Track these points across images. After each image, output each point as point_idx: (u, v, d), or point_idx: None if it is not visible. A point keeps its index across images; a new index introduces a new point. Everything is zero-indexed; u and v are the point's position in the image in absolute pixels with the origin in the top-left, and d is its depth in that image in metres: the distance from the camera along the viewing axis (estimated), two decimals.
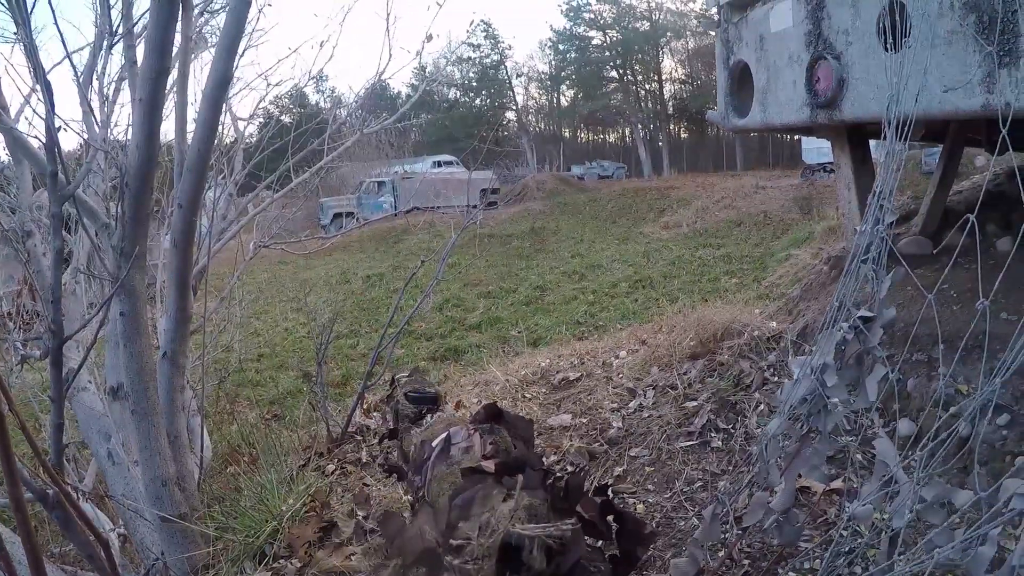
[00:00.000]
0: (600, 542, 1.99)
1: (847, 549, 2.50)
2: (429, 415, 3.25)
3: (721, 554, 2.93)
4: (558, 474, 2.00)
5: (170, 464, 4.14)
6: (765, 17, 4.76)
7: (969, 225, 1.76)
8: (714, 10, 5.37)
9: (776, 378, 4.23)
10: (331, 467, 4.74)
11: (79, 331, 4.10)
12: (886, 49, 3.60)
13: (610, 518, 1.90)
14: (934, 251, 4.65)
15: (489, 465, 1.98)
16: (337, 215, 33.55)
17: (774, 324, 4.89)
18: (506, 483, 1.77)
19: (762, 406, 4.03)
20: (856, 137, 4.90)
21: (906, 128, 2.46)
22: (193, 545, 4.10)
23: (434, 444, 2.38)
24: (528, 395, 5.11)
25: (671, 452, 3.91)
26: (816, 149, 30.50)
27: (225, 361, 9.65)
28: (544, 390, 5.19)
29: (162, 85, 3.58)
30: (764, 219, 24.44)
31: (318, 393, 5.59)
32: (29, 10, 3.69)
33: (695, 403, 4.29)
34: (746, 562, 2.92)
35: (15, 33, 5.38)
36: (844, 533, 2.76)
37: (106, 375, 5.53)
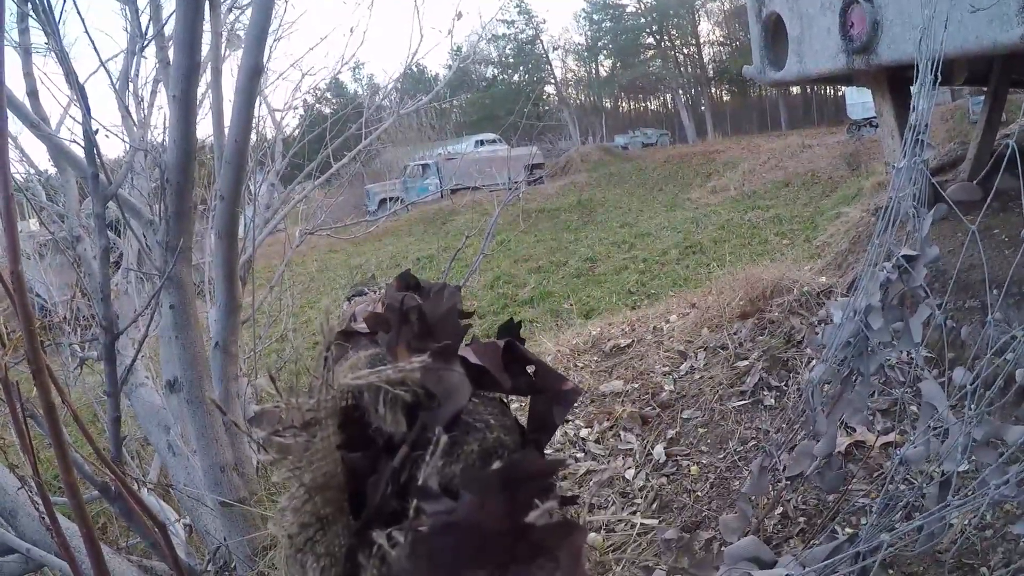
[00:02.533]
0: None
1: (903, 503, 2.46)
2: None
3: (778, 512, 2.91)
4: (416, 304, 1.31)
5: (227, 450, 4.21)
6: None
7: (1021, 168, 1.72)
8: None
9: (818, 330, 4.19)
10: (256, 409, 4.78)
11: (130, 326, 4.17)
12: None
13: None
14: (984, 197, 4.56)
15: (361, 325, 1.38)
16: (383, 200, 33.63)
17: (824, 279, 4.83)
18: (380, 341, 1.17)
19: (814, 361, 3.99)
20: (896, 83, 4.80)
21: (939, 63, 2.40)
22: (254, 528, 4.18)
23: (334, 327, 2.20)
24: (580, 364, 5.10)
25: (724, 412, 3.90)
26: (861, 104, 29.89)
27: (280, 350, 9.74)
28: (596, 358, 5.17)
29: (194, 81, 3.62)
30: (812, 178, 24.09)
31: (327, 342, 5.60)
32: (58, 19, 3.75)
33: (746, 362, 4.26)
34: (802, 519, 2.90)
35: (46, 43, 5.46)
36: (898, 484, 2.72)
37: (161, 369, 5.64)
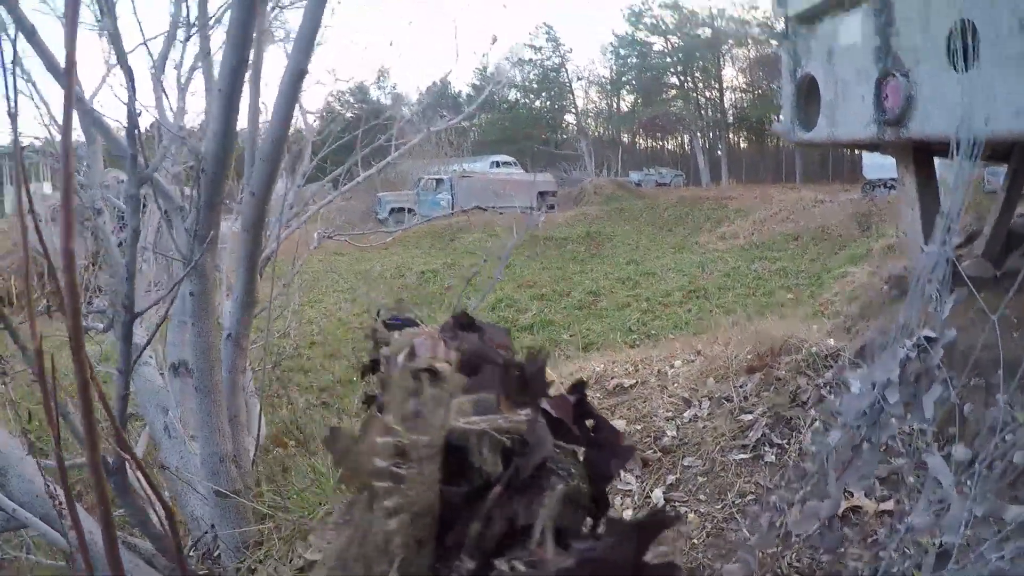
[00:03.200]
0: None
1: (895, 570, 2.51)
2: None
3: (773, 567, 2.95)
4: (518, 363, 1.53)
5: (228, 441, 4.25)
6: (834, 31, 4.75)
7: None
8: (781, 21, 5.36)
9: (832, 395, 4.22)
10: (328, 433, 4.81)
11: (149, 308, 4.20)
12: (955, 68, 3.59)
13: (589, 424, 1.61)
14: (997, 274, 4.61)
15: (443, 365, 1.60)
16: (394, 209, 33.74)
17: (832, 341, 4.87)
18: (456, 378, 1.38)
19: (817, 423, 4.03)
20: (922, 155, 4.86)
21: (975, 149, 2.46)
22: (245, 521, 4.21)
23: (398, 359, 2.28)
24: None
25: (724, 464, 3.93)
26: (877, 164, 29.93)
27: (279, 346, 9.79)
28: (598, 395, 5.21)
29: (241, 76, 3.68)
30: (822, 234, 24.16)
31: (362, 367, 5.65)
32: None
33: (750, 416, 4.30)
34: None
35: (99, 21, 5.53)
36: (892, 551, 2.76)
37: (167, 351, 5.68)
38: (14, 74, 1.84)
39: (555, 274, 21.76)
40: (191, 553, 4.50)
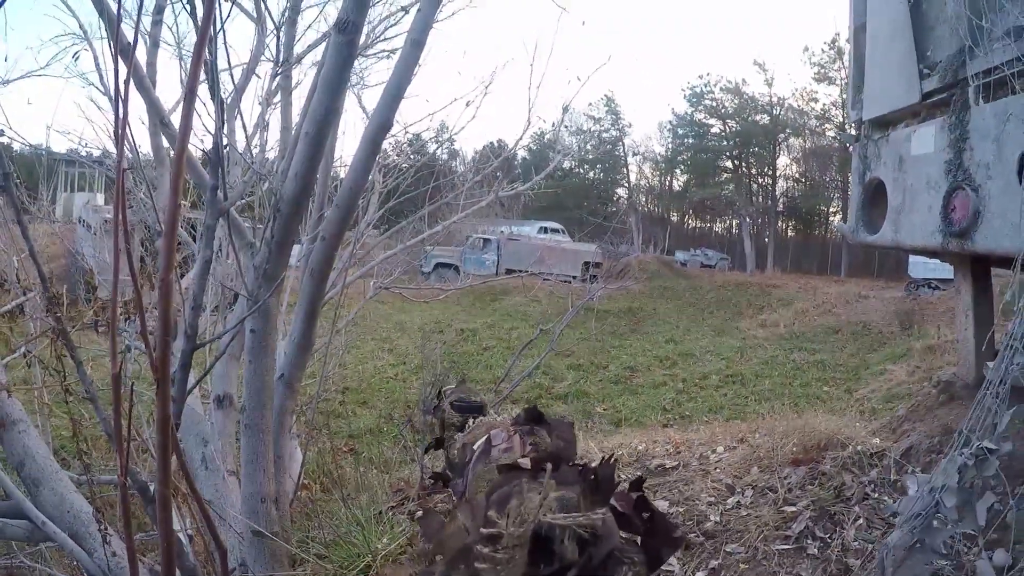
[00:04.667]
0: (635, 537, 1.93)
1: None
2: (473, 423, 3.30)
3: None
4: (593, 467, 1.87)
5: (272, 482, 4.27)
6: (907, 139, 4.79)
7: None
8: (854, 124, 5.43)
9: (876, 494, 4.19)
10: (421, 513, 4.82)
11: (212, 341, 4.27)
12: None
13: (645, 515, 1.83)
14: None
15: (525, 461, 1.96)
16: (439, 265, 33.95)
17: (877, 441, 4.85)
18: (541, 478, 1.73)
19: (861, 520, 4.00)
20: (980, 266, 4.87)
21: None
22: (279, 563, 4.21)
23: (475, 447, 2.42)
24: (624, 476, 5.13)
25: (767, 553, 3.91)
26: (923, 263, 29.70)
27: (319, 389, 9.84)
28: (639, 473, 5.19)
29: (330, 123, 3.76)
30: (863, 329, 23.97)
31: (413, 438, 5.70)
32: (217, 29, 3.92)
33: (794, 508, 4.27)
34: None
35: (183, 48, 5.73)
36: None
37: (213, 383, 5.72)
38: (126, 100, 1.91)
39: (593, 346, 21.73)
40: None
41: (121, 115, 1.84)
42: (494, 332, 22.53)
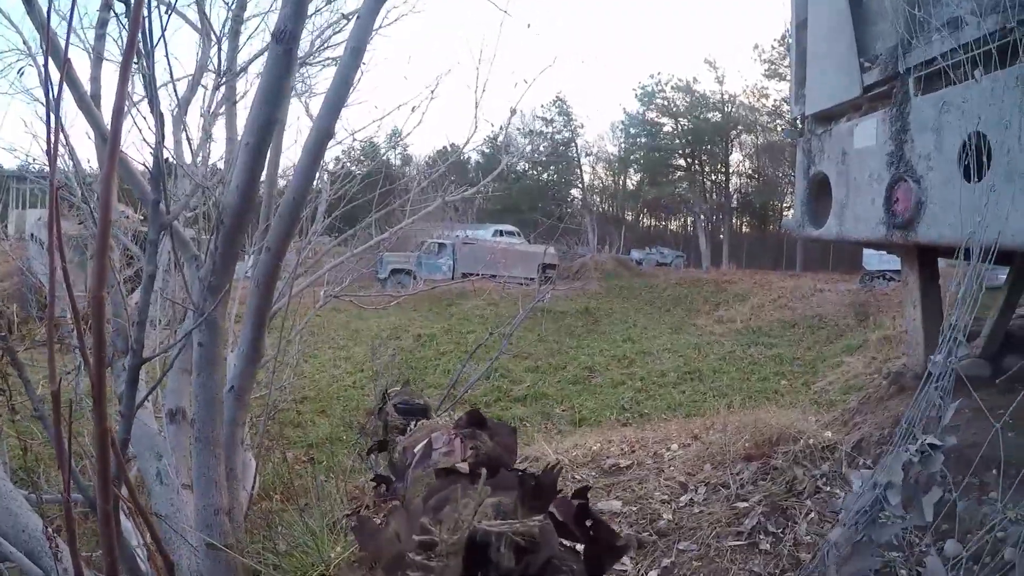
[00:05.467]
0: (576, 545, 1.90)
1: None
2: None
3: None
4: (533, 474, 1.84)
5: (224, 495, 4.23)
6: (849, 133, 4.84)
7: None
8: (797, 118, 5.49)
9: (828, 487, 4.24)
10: (378, 521, 4.80)
11: (158, 355, 4.22)
12: (966, 178, 3.67)
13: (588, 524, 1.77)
14: (993, 375, 4.64)
15: (463, 466, 1.97)
16: (395, 270, 33.84)
17: (829, 434, 4.90)
18: (484, 489, 1.70)
19: (812, 514, 4.04)
20: (927, 256, 4.94)
21: (987, 260, 2.53)
22: (235, 575, 4.17)
23: (416, 450, 2.41)
24: (578, 476, 5.14)
25: (719, 549, 3.93)
26: (877, 256, 29.99)
27: (276, 399, 9.78)
28: (594, 473, 5.21)
29: (271, 133, 3.72)
30: (819, 322, 24.22)
31: (371, 446, 5.67)
32: (154, 42, 3.87)
33: (746, 504, 4.31)
34: None
35: (136, 64, 5.65)
36: None
37: (166, 397, 5.67)
38: (57, 113, 1.88)
39: (551, 347, 21.77)
40: None
41: (52, 130, 1.82)
42: (451, 337, 22.50)
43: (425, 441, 2.41)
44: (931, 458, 2.16)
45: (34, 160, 7.59)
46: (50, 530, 3.04)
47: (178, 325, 6.17)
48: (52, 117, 1.82)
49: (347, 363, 18.52)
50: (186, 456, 5.47)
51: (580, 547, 1.74)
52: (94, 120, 4.63)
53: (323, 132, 3.83)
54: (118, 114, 1.81)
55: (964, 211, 3.52)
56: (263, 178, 5.45)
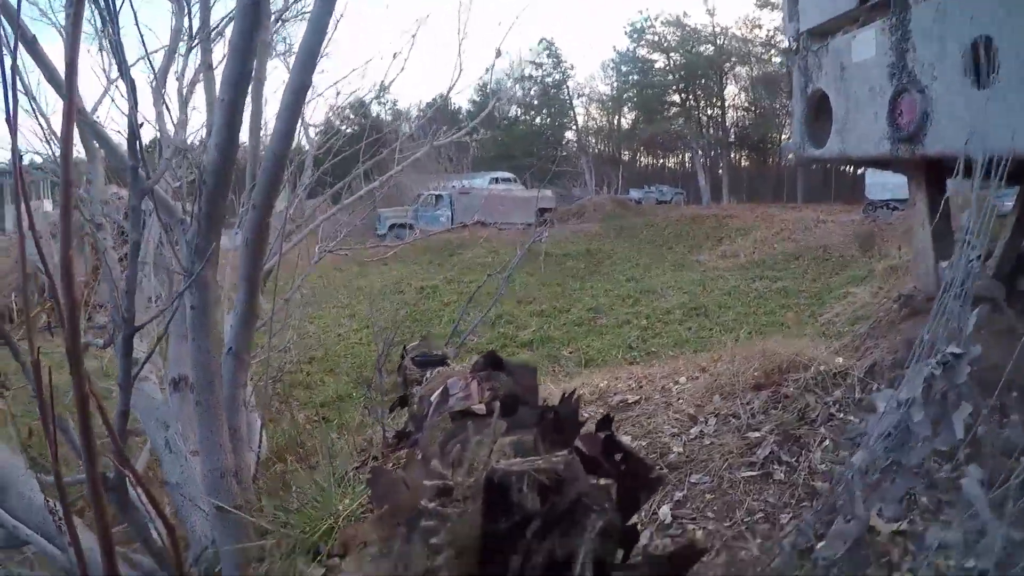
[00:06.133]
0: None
1: None
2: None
3: None
4: (551, 406, 1.70)
5: (229, 456, 4.19)
6: (847, 47, 4.70)
7: None
8: (792, 37, 5.33)
9: (842, 414, 4.17)
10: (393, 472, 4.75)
11: (149, 322, 4.14)
12: (974, 86, 3.55)
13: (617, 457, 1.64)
14: (1008, 297, 4.55)
15: (480, 407, 1.87)
16: (394, 226, 33.72)
17: (840, 360, 4.82)
18: (498, 424, 1.54)
19: (827, 441, 3.97)
20: (934, 173, 4.81)
21: (1000, 167, 2.42)
22: (246, 537, 4.14)
23: (432, 399, 2.32)
24: (585, 414, 5.07)
25: (732, 481, 3.87)
26: (880, 185, 29.82)
27: (280, 361, 9.74)
28: (602, 410, 5.15)
29: (244, 89, 3.63)
30: (823, 254, 24.13)
31: (375, 398, 5.63)
32: (117, 8, 3.76)
33: (758, 434, 4.24)
34: None
35: (102, 30, 5.51)
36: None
37: (168, 367, 5.63)
38: (13, 80, 1.78)
39: (554, 291, 21.72)
40: (192, 569, 4.44)
41: (11, 107, 1.76)
42: (454, 287, 22.44)
43: (441, 388, 2.30)
44: (955, 369, 2.04)
45: (24, 151, 7.46)
46: (52, 503, 3.00)
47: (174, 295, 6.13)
48: (8, 94, 1.75)
49: (352, 320, 18.49)
50: (193, 424, 5.45)
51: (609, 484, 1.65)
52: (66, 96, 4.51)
53: (300, 84, 3.75)
54: (71, 66, 1.74)
55: (971, 121, 3.40)
56: (246, 139, 5.38)
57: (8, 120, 1.77)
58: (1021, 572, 1.80)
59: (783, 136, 60.37)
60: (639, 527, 3.54)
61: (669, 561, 0.81)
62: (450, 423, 1.88)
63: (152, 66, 5.50)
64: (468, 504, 1.17)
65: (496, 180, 42.05)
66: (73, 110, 1.71)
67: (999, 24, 3.34)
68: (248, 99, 5.06)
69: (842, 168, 53.01)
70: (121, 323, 3.38)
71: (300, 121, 7.06)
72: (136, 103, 3.12)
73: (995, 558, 1.81)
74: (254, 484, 4.65)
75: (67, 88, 1.75)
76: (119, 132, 4.17)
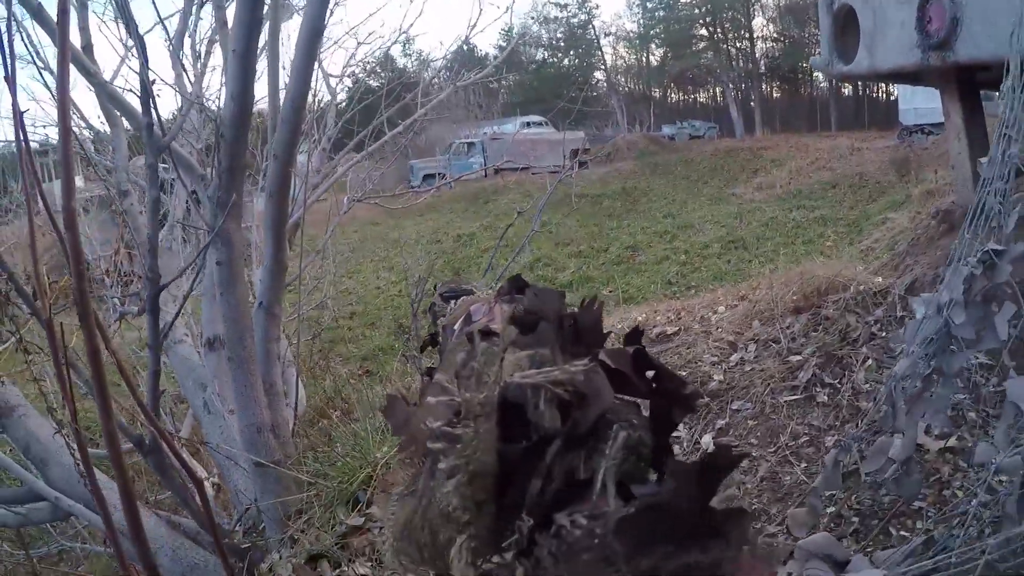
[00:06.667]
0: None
1: (965, 511, 2.37)
2: None
3: (830, 510, 2.84)
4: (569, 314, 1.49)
5: (265, 412, 4.19)
6: None
7: None
8: None
9: (884, 333, 4.08)
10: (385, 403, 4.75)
11: (176, 279, 4.14)
12: None
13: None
14: None
15: (498, 326, 1.60)
16: (427, 176, 33.61)
17: (880, 279, 4.72)
18: (520, 342, 1.27)
19: (870, 361, 3.90)
20: (966, 85, 4.68)
21: None
22: (286, 491, 4.15)
23: (455, 327, 2.22)
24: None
25: (775, 406, 3.82)
26: (913, 110, 29.24)
27: (319, 317, 9.77)
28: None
29: (255, 36, 3.59)
30: (859, 181, 23.79)
31: (411, 345, 5.62)
32: None
33: (799, 357, 4.17)
34: (855, 519, 2.83)
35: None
36: (959, 492, 2.66)
37: (202, 327, 5.65)
38: (8, 28, 1.73)
39: (591, 231, 21.62)
40: (236, 527, 4.47)
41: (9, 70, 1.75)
42: (492, 233, 22.37)
43: (464, 316, 2.21)
44: (997, 268, 1.94)
45: (44, 126, 7.46)
46: (79, 466, 3.00)
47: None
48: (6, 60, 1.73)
49: (391, 273, 18.52)
50: (230, 383, 5.48)
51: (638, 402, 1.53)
52: (81, 65, 4.49)
53: (313, 28, 3.70)
54: (63, 13, 1.71)
55: (1005, 24, 3.27)
56: (267, 93, 5.35)
57: (6, 78, 1.74)
58: None
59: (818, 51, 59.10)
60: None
61: (698, 472, 0.73)
62: (468, 345, 1.78)
63: (167, 30, 5.48)
64: (480, 424, 1.02)
65: (528, 124, 41.72)
66: (67, 55, 1.66)
67: None
68: (264, 58, 5.04)
69: (876, 94, 52.13)
70: (146, 283, 3.37)
71: (319, 68, 7.01)
72: (147, 60, 3.08)
73: None
74: (293, 440, 4.66)
75: (60, 36, 1.71)
76: (135, 94, 4.12)
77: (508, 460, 0.91)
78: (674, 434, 3.72)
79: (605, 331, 1.21)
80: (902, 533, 2.66)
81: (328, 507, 3.68)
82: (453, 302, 3.32)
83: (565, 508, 0.80)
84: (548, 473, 0.87)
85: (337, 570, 3.14)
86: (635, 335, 1.22)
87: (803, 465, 3.32)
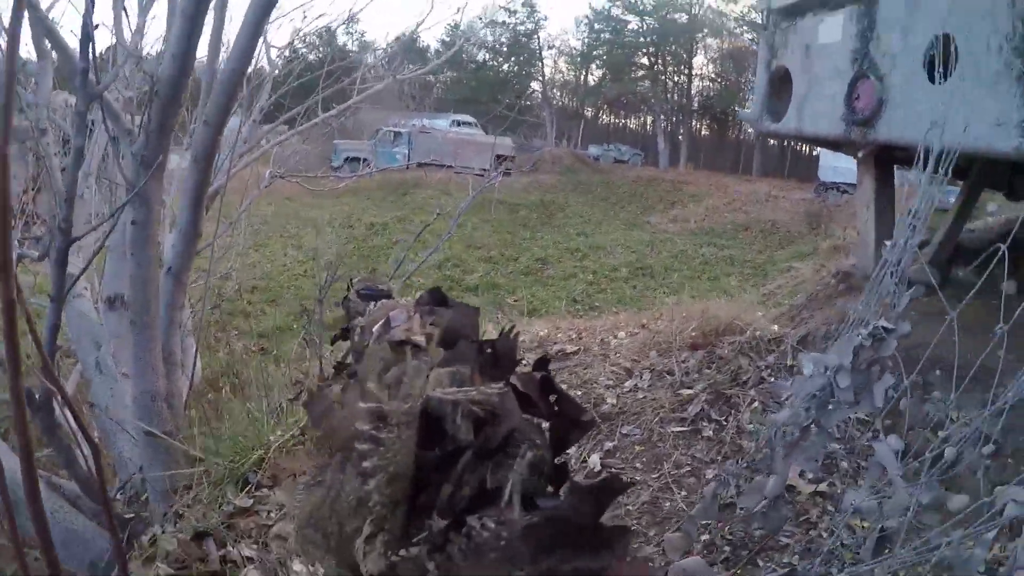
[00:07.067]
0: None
1: (827, 549, 2.55)
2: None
3: (704, 538, 2.98)
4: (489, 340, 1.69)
5: (162, 380, 4.13)
6: (814, 28, 4.79)
7: (981, 259, 1.81)
8: (763, 11, 5.39)
9: (772, 379, 4.26)
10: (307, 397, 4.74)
11: (88, 233, 4.07)
12: (931, 79, 3.64)
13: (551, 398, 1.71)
14: (942, 283, 4.67)
15: (420, 338, 1.78)
16: (349, 159, 33.26)
17: (776, 327, 4.92)
18: (435, 350, 1.60)
19: (756, 403, 4.09)
20: (883, 161, 4.94)
21: (948, 159, 2.48)
22: (175, 464, 4.09)
23: (374, 329, 2.30)
24: (524, 362, 5.08)
25: (662, 435, 3.97)
26: (832, 168, 30.14)
27: (221, 288, 9.65)
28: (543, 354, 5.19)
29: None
30: (772, 228, 24.46)
31: (314, 331, 5.60)
32: None
33: (690, 391, 4.34)
34: (727, 548, 2.98)
35: None
36: (824, 534, 2.82)
37: (104, 284, 5.50)
38: None
39: (505, 238, 21.74)
40: (118, 496, 4.38)
41: None
42: (404, 226, 22.32)
43: (383, 320, 2.28)
44: (884, 342, 2.12)
45: None
46: None
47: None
48: None
49: (298, 252, 18.36)
50: (127, 345, 5.36)
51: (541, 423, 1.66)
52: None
53: (265, 3, 3.67)
54: None
55: (924, 113, 3.48)
56: (206, 55, 5.27)
57: None
58: (926, 532, 1.88)
59: (746, 110, 60.18)
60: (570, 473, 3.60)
61: (594, 493, 0.87)
62: (389, 353, 1.88)
63: None
64: (402, 431, 1.19)
65: (458, 123, 41.68)
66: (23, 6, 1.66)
67: (961, 25, 3.44)
68: (210, 15, 4.96)
69: (799, 147, 53.46)
70: (58, 233, 3.32)
71: (263, 41, 6.95)
72: (93, 3, 3.04)
73: (902, 519, 1.88)
74: (185, 411, 4.60)
75: None
76: (73, 33, 4.03)
77: (424, 465, 1.03)
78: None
79: (519, 359, 1.41)
80: (769, 564, 2.83)
81: (217, 485, 3.65)
82: (373, 303, 3.36)
83: (475, 512, 0.92)
84: (459, 480, 0.99)
85: (223, 550, 3.13)
86: (543, 362, 1.44)
87: (683, 493, 3.46)
